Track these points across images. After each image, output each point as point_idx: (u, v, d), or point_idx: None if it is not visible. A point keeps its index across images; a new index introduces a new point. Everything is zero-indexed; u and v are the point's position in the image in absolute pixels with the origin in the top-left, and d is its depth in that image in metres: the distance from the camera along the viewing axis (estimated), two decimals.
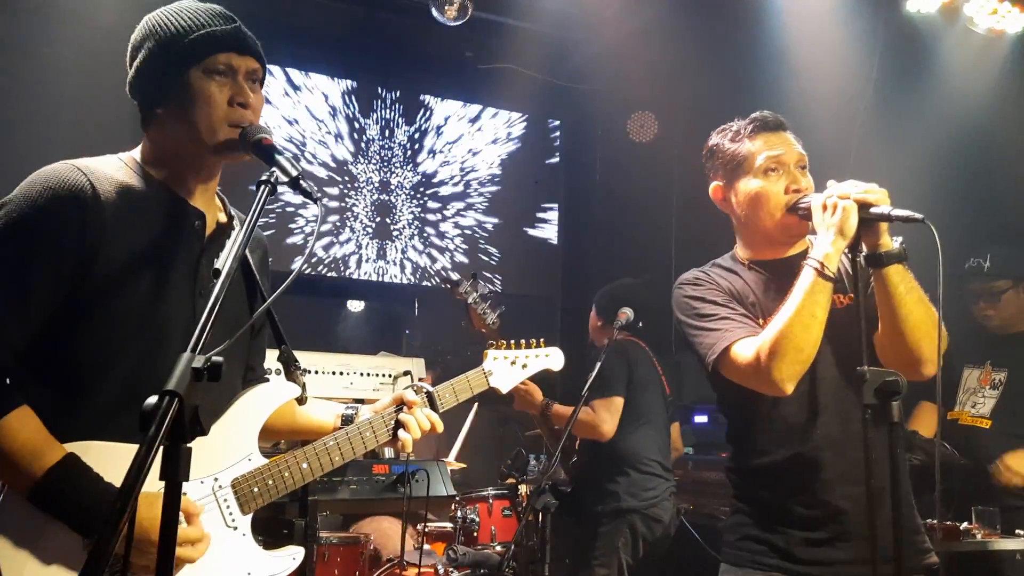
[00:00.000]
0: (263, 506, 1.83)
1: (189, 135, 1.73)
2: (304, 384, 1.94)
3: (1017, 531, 3.31)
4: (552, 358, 2.42)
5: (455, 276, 3.47)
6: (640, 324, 3.89)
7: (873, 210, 1.96)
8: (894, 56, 4.64)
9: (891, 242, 2.00)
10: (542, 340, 2.42)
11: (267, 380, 1.97)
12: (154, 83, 1.75)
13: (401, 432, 1.99)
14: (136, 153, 1.83)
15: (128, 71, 1.80)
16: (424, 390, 2.08)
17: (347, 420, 2.04)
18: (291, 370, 1.94)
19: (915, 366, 2.02)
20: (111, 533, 1.13)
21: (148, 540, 1.54)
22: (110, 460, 1.60)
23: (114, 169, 1.75)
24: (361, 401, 2.62)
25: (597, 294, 4.36)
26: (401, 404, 2.03)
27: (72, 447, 1.60)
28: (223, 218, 1.89)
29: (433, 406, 2.07)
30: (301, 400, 1.96)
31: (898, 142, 4.28)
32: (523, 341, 2.38)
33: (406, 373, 3.80)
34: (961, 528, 3.26)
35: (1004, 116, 4.26)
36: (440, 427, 2.04)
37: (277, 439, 2.07)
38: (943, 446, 3.38)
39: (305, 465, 1.89)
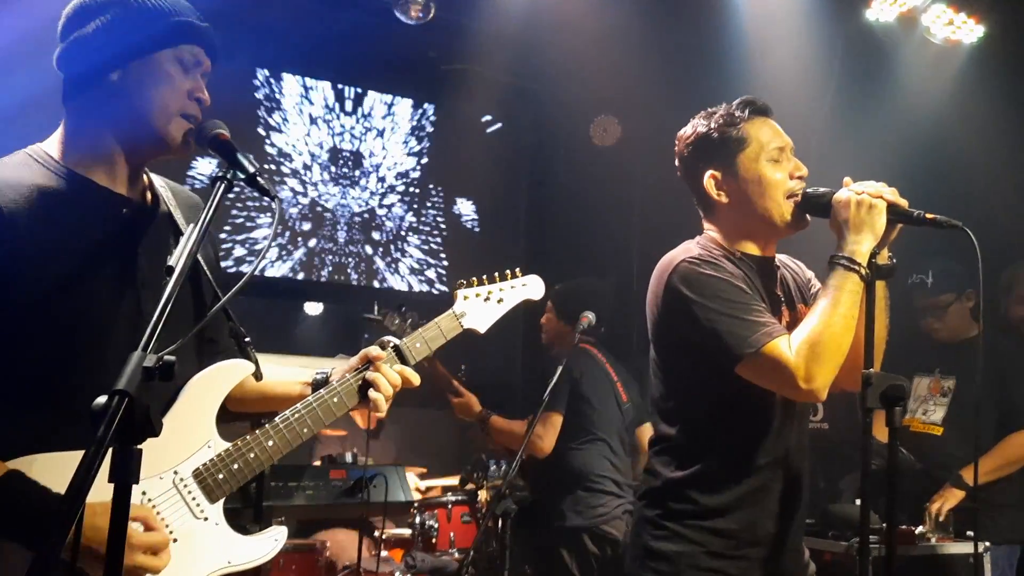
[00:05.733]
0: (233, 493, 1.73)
1: (135, 111, 1.66)
2: (257, 360, 1.83)
3: (968, 533, 3.36)
4: (530, 287, 2.18)
5: (379, 309, 3.27)
6: (603, 329, 3.74)
7: (906, 212, 1.92)
8: (853, 64, 4.71)
9: (887, 255, 1.97)
10: (518, 270, 2.17)
11: (242, 345, 1.84)
12: (117, 48, 1.66)
13: (371, 391, 1.82)
14: (48, 144, 1.71)
15: (64, 37, 1.69)
16: (391, 343, 1.90)
17: (318, 385, 1.87)
18: (243, 346, 1.83)
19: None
20: (57, 538, 1.09)
21: (98, 552, 1.44)
22: (58, 471, 1.51)
23: (17, 168, 1.64)
24: None
25: (556, 292, 3.93)
26: (368, 362, 1.87)
27: (16, 464, 1.52)
28: (149, 196, 1.79)
29: (403, 360, 1.90)
30: (257, 376, 1.84)
31: (855, 149, 4.34)
32: (496, 274, 2.14)
33: None
34: (915, 532, 3.30)
35: (959, 125, 4.34)
36: (416, 380, 1.87)
37: (245, 411, 1.94)
38: (900, 451, 3.42)
39: (271, 443, 1.75)
